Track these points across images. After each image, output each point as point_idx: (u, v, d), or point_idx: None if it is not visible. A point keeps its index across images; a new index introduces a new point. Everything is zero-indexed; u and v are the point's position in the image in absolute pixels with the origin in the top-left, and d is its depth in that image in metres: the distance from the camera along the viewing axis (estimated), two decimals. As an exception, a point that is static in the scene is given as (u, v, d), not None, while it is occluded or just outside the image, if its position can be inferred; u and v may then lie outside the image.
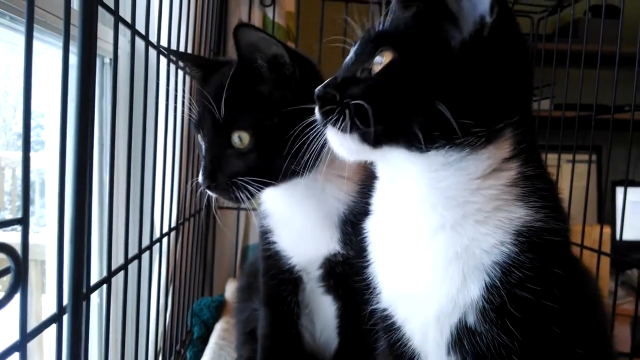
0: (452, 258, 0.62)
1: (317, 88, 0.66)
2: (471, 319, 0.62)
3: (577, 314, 0.67)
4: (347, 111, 0.61)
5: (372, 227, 0.74)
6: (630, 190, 1.19)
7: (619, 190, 2.36)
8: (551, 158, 1.48)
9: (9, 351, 0.48)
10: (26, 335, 0.48)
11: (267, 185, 0.86)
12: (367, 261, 0.74)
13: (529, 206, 0.62)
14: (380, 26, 0.67)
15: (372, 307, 0.75)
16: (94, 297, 0.67)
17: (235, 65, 0.86)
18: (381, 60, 0.63)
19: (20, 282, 0.40)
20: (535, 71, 1.60)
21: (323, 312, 1.02)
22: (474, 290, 0.61)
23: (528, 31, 1.64)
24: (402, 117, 0.60)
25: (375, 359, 0.82)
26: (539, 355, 0.62)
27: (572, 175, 1.26)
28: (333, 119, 0.63)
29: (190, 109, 0.92)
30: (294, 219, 0.95)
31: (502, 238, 0.61)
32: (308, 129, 0.69)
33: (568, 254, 0.67)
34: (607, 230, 1.48)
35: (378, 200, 0.74)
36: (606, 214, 2.44)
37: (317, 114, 0.67)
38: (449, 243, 0.62)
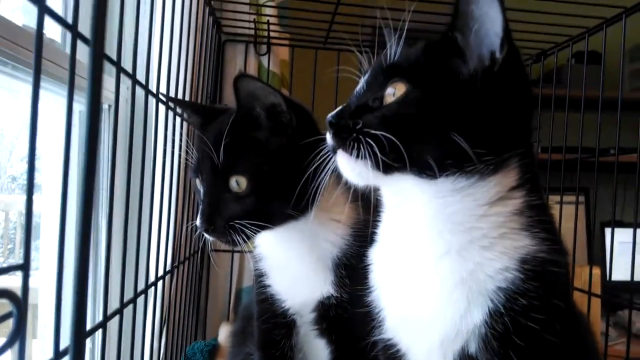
0: (457, 283, 0.63)
1: (330, 114, 0.68)
2: (473, 348, 0.63)
3: (575, 350, 0.67)
4: (362, 138, 0.63)
5: (377, 255, 0.75)
6: (619, 231, 1.21)
7: (608, 231, 2.38)
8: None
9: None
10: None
11: (263, 228, 0.87)
12: (370, 290, 0.75)
13: (534, 236, 0.63)
14: (391, 58, 0.69)
15: (375, 338, 0.75)
16: (88, 341, 0.67)
17: (235, 113, 0.88)
18: (393, 92, 0.65)
19: (21, 328, 0.41)
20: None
21: (316, 356, 1.01)
22: (477, 316, 0.62)
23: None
24: (417, 147, 0.61)
25: None
26: None
27: (560, 217, 1.29)
28: (348, 146, 0.64)
29: (187, 153, 0.94)
30: (288, 262, 0.96)
31: (507, 264, 0.62)
32: (317, 162, 0.72)
33: (568, 288, 0.70)
34: (597, 271, 1.49)
35: (383, 228, 0.75)
36: (596, 255, 2.46)
37: (329, 140, 0.68)
38: (454, 268, 0.63)
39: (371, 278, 0.76)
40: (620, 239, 1.20)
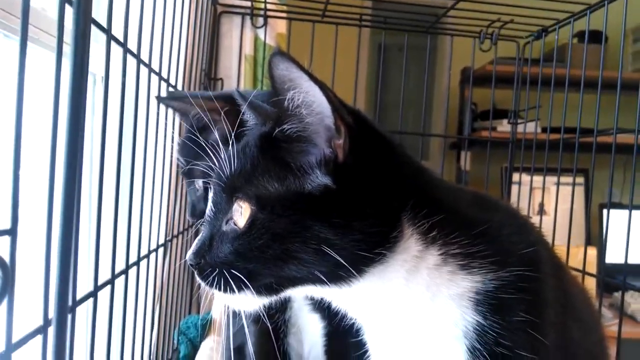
0: (431, 343, 0.61)
1: (189, 255, 0.63)
2: None
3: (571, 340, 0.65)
4: (227, 274, 0.58)
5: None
6: (619, 212, 1.21)
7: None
8: (537, 180, 1.50)
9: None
10: (11, 346, 0.48)
11: None
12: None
13: (473, 272, 0.59)
14: (227, 171, 0.61)
15: None
16: (83, 311, 0.67)
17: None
18: (240, 210, 0.58)
19: (7, 291, 0.40)
20: (521, 95, 1.64)
21: (310, 331, 1.02)
22: (460, 356, 0.60)
23: (514, 55, 1.68)
24: (285, 269, 0.57)
25: None
26: None
27: (557, 197, 1.28)
28: (220, 285, 0.59)
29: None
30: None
31: (461, 312, 0.59)
32: None
33: (538, 295, 0.61)
34: (592, 251, 1.49)
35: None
36: (596, 236, 2.47)
37: (200, 281, 0.62)
38: (422, 335, 0.61)
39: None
40: (619, 221, 1.19)
